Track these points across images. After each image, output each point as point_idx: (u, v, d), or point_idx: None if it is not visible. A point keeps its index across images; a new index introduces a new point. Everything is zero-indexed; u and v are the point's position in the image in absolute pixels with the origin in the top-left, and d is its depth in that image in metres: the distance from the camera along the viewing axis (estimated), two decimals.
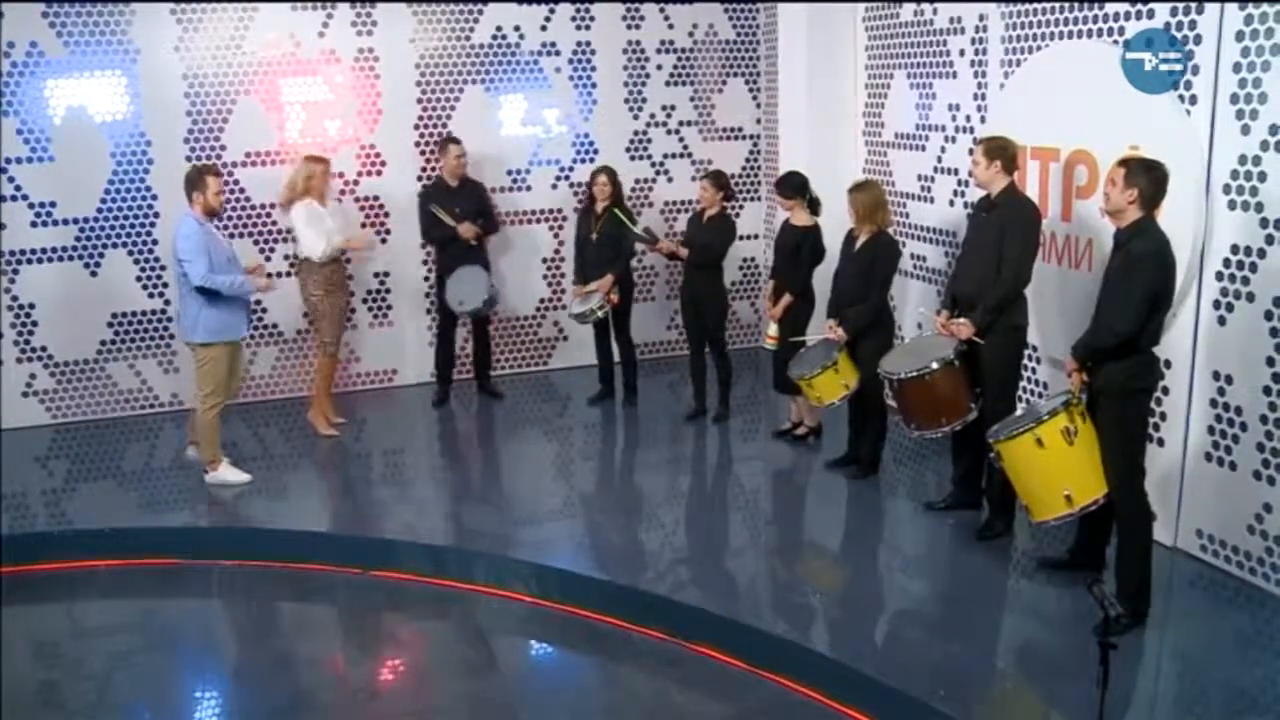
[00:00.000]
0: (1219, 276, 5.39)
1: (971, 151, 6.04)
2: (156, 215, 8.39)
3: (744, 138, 9.82)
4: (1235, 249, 5.30)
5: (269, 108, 8.55)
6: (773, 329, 7.32)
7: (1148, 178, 4.76)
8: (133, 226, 8.37)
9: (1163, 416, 5.75)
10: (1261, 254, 5.16)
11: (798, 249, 7.10)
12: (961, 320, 5.84)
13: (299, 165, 7.90)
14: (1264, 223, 5.13)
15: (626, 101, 9.43)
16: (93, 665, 5.43)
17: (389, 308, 8.99)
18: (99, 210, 8.29)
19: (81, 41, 8.06)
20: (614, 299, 8.09)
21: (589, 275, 8.17)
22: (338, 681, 5.38)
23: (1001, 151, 5.78)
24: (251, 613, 6.09)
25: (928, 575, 5.88)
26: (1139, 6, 5.71)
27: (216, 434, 7.08)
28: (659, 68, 9.45)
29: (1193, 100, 5.45)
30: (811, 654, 5.01)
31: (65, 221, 8.23)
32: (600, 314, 8.13)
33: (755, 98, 9.76)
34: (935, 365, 5.80)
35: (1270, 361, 5.15)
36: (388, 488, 7.27)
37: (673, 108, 9.56)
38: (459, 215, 8.18)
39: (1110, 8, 5.91)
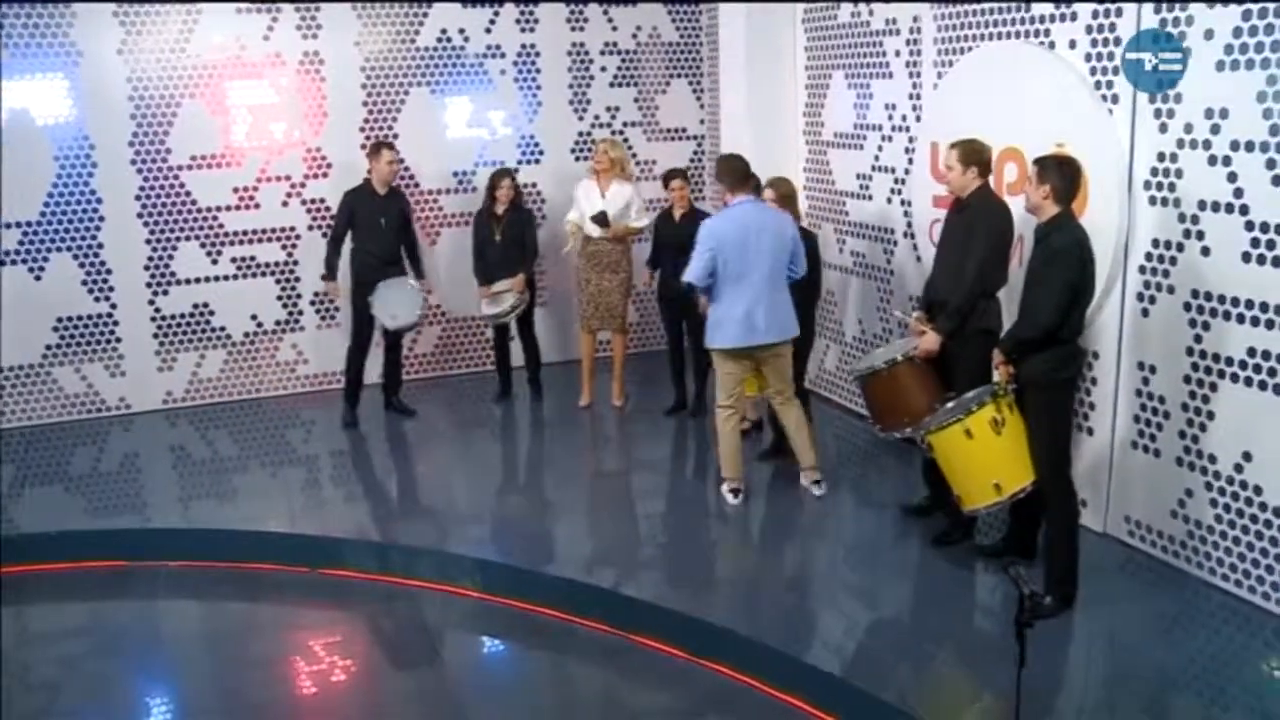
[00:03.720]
0: (1141, 270, 5.56)
1: (935, 150, 6.01)
2: (101, 219, 8.37)
3: (688, 138, 9.93)
4: (1156, 243, 5.47)
5: (214, 111, 8.55)
6: None
7: (1059, 173, 4.92)
8: (77, 230, 8.34)
9: (1091, 406, 5.93)
10: (1180, 248, 5.33)
11: None
12: (927, 332, 5.79)
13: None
14: (1181, 217, 5.31)
15: (571, 103, 9.51)
16: (42, 671, 5.43)
17: (336, 309, 8.99)
18: (42, 214, 8.25)
19: (21, 43, 8.01)
20: (525, 297, 8.30)
21: (493, 276, 8.26)
22: (285, 680, 5.41)
23: (978, 156, 5.70)
24: (199, 614, 6.12)
25: (864, 564, 6.01)
26: (1063, 9, 5.88)
27: (735, 450, 6.55)
28: (603, 69, 9.54)
29: (1114, 99, 5.62)
30: (751, 643, 5.11)
31: (8, 225, 8.17)
32: (516, 313, 8.29)
33: (699, 98, 9.88)
34: (898, 358, 5.82)
35: (1189, 351, 5.33)
36: (335, 487, 7.31)
37: (617, 109, 9.66)
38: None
39: (1036, 9, 6.07)
